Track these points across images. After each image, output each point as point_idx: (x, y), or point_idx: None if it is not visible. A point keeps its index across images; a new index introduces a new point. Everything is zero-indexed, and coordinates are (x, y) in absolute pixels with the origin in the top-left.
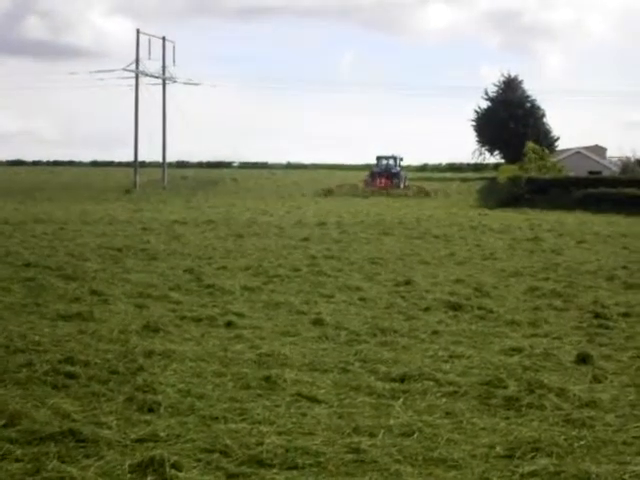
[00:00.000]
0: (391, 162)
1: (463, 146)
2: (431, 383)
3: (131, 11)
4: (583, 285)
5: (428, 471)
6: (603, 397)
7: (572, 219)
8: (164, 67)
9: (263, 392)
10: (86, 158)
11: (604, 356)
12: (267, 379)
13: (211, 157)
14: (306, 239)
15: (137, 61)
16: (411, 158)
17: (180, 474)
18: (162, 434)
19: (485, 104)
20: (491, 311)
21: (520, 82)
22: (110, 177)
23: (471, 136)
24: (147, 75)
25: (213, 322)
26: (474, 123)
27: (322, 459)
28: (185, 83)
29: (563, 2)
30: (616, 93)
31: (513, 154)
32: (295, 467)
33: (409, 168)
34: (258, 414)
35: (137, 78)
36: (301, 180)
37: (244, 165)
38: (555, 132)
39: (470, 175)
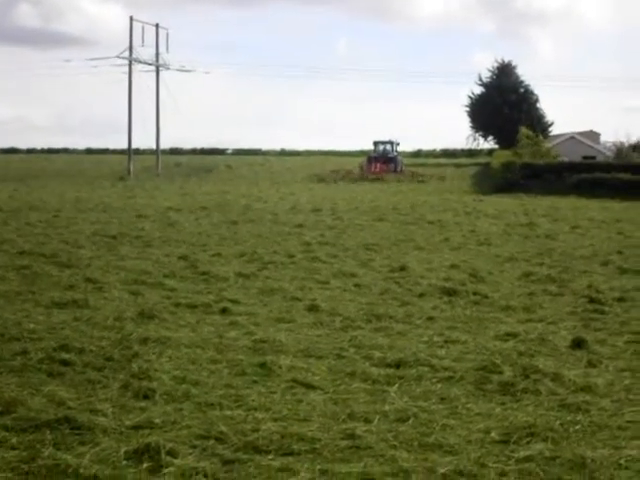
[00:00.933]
0: (388, 147)
1: (457, 132)
2: (426, 369)
3: None
4: (578, 270)
5: (424, 456)
6: (598, 382)
7: (566, 204)
8: (157, 54)
9: (258, 378)
10: (80, 145)
11: (599, 341)
12: (262, 365)
13: (205, 144)
14: (300, 225)
15: (130, 48)
16: (405, 144)
17: (175, 461)
18: (157, 421)
19: (479, 90)
20: (486, 296)
21: (514, 67)
22: (104, 164)
23: (465, 122)
24: (140, 62)
25: (208, 309)
26: (468, 109)
27: (317, 445)
28: (178, 70)
29: None
30: (610, 78)
31: (507, 140)
32: (291, 453)
33: (403, 154)
34: (253, 400)
35: (130, 65)
36: (295, 166)
37: (238, 152)
38: (549, 117)
39: (464, 161)
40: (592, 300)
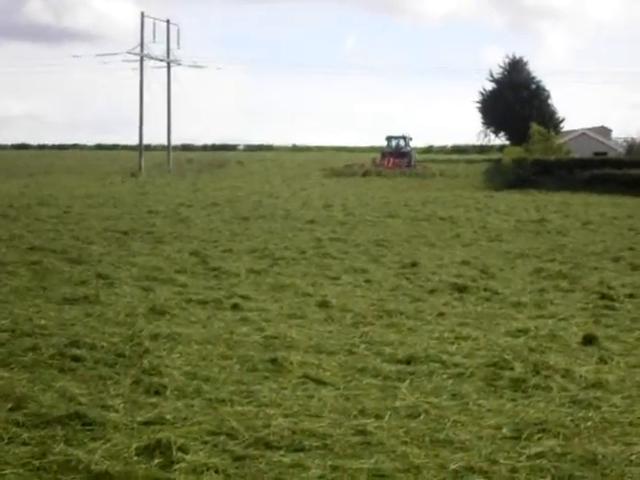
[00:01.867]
0: (401, 142)
1: (468, 128)
2: (437, 365)
3: None
4: (589, 266)
5: (435, 452)
6: (609, 378)
7: (578, 200)
8: (168, 50)
9: (269, 374)
10: (91, 141)
11: (610, 337)
12: (273, 361)
13: (216, 140)
14: (312, 221)
15: (142, 44)
16: (416, 140)
17: (187, 457)
18: (168, 417)
19: (490, 86)
20: (497, 293)
21: (525, 64)
22: (115, 160)
23: (476, 118)
24: (152, 58)
25: (219, 305)
26: (479, 105)
27: (328, 441)
28: (190, 66)
29: None
30: (621, 74)
31: (518, 136)
32: (302, 449)
33: (414, 150)
34: (264, 396)
35: (142, 61)
36: (306, 162)
37: (249, 148)
38: (560, 113)
39: (475, 157)
40: (603, 296)
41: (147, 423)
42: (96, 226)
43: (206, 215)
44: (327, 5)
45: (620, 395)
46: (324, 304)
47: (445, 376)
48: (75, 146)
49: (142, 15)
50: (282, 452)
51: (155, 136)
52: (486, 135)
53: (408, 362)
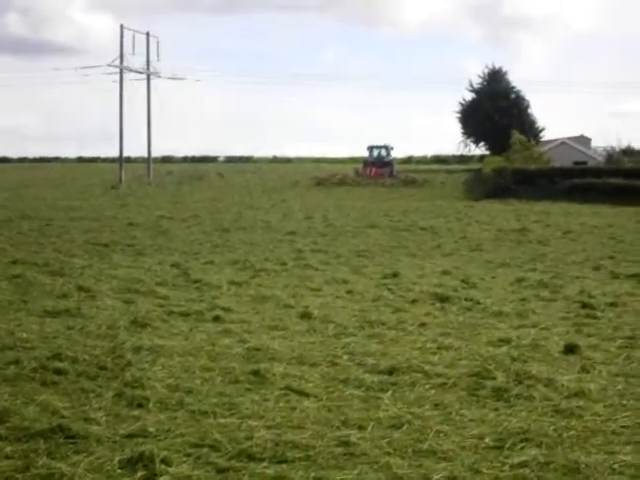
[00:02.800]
0: (383, 152)
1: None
2: (419, 375)
3: (112, 7)
4: (570, 275)
5: (418, 463)
6: (592, 387)
7: (558, 210)
8: (148, 62)
9: (252, 386)
10: (71, 154)
11: (592, 346)
12: (255, 373)
13: (196, 152)
14: (292, 233)
15: (121, 56)
16: (396, 150)
17: (170, 469)
18: (151, 429)
19: (470, 96)
20: (478, 302)
21: (504, 74)
22: (96, 173)
23: (456, 128)
24: (131, 71)
25: (201, 317)
26: (459, 115)
27: (312, 452)
28: (170, 78)
29: None
30: (599, 84)
31: (498, 145)
32: (285, 461)
33: (395, 160)
34: (247, 408)
35: (121, 73)
36: (286, 174)
37: (229, 159)
38: (540, 123)
39: (456, 167)
40: (585, 305)
41: (130, 436)
42: (77, 239)
43: (187, 227)
44: (307, 16)
45: (602, 404)
46: (306, 315)
47: (427, 386)
48: (56, 159)
49: (121, 27)
50: (265, 464)
51: (135, 148)
52: (466, 145)
53: (390, 373)
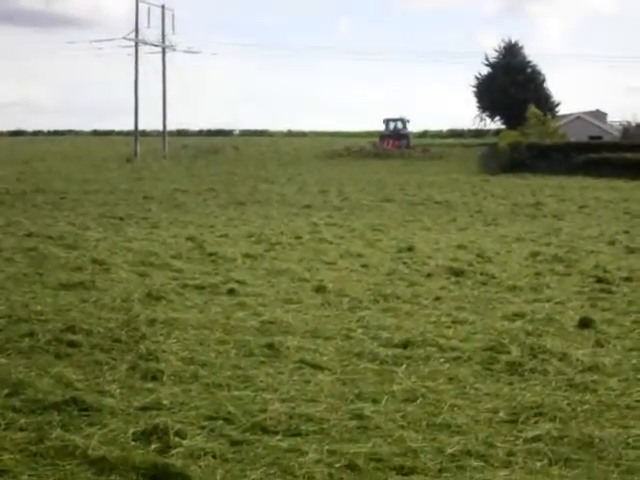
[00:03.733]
0: (399, 124)
1: (464, 112)
2: (434, 349)
3: None
4: (585, 250)
5: (432, 436)
6: (606, 361)
7: (573, 184)
8: (164, 35)
9: (266, 359)
10: (86, 127)
11: (606, 320)
12: (270, 346)
13: (212, 125)
14: (308, 206)
15: (137, 29)
16: (411, 124)
17: (184, 441)
18: (165, 402)
19: (486, 70)
20: (493, 277)
21: (521, 48)
22: (111, 146)
23: (472, 102)
24: (147, 44)
25: (215, 290)
26: (475, 89)
27: (326, 425)
28: (185, 51)
29: None
30: (616, 58)
31: (514, 120)
32: (299, 434)
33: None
34: (261, 381)
35: (137, 47)
36: (302, 147)
37: (245, 133)
38: (555, 97)
39: (471, 141)
40: (599, 280)
41: (144, 408)
42: (92, 212)
43: (202, 200)
44: None
45: (616, 378)
46: (320, 289)
47: (442, 360)
48: (70, 132)
49: (137, 0)
50: (279, 437)
51: (150, 122)
52: (482, 119)
53: (405, 346)
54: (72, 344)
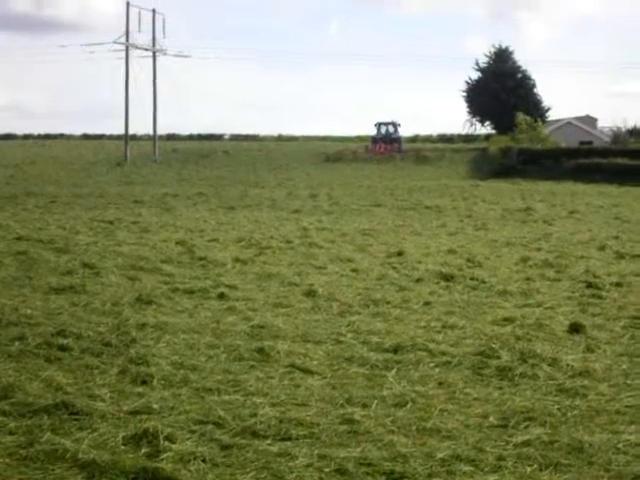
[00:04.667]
0: (390, 128)
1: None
2: (424, 353)
3: None
4: (575, 255)
5: (422, 441)
6: (596, 366)
7: (564, 189)
8: (154, 39)
9: (256, 364)
10: (77, 131)
11: (597, 326)
12: (260, 351)
13: (202, 130)
14: (297, 211)
15: (127, 33)
16: (401, 129)
17: (174, 446)
18: (155, 406)
19: (476, 75)
20: (483, 281)
21: (511, 53)
22: (101, 150)
23: (462, 107)
24: (137, 48)
25: (205, 294)
26: (465, 94)
27: (316, 430)
28: (175, 55)
29: None
30: (604, 64)
31: (504, 125)
32: (289, 438)
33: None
34: (251, 386)
35: (127, 51)
36: (292, 152)
37: (235, 137)
38: (546, 103)
39: (461, 146)
40: (589, 285)
41: (134, 412)
42: (82, 216)
43: (192, 204)
44: None
45: (607, 383)
46: (310, 293)
47: (432, 365)
48: (61, 136)
49: (127, 4)
50: (269, 441)
51: (141, 126)
52: (472, 124)
53: (395, 351)
54: (62, 348)
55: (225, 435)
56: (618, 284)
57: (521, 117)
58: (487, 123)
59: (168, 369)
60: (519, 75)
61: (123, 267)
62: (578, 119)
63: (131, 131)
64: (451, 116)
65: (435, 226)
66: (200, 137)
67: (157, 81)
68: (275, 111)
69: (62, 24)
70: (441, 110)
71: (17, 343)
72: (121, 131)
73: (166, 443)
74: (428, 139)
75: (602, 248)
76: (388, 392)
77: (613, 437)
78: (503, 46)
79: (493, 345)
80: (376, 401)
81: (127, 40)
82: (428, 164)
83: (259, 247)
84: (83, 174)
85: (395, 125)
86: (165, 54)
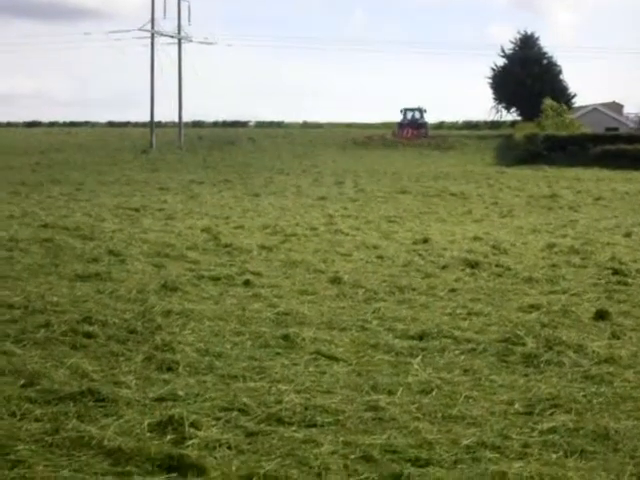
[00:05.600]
0: (417, 114)
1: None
2: (449, 340)
3: None
4: (601, 242)
5: (447, 428)
6: (622, 353)
7: (589, 176)
8: (179, 26)
9: (282, 351)
10: (102, 119)
11: (622, 312)
12: (285, 338)
13: (227, 116)
14: (323, 198)
15: (152, 21)
16: (427, 115)
17: (199, 432)
18: (181, 393)
19: (501, 61)
20: (509, 268)
21: (537, 39)
22: (126, 137)
23: (487, 94)
24: (162, 35)
25: (231, 281)
26: (490, 81)
27: (341, 417)
28: (201, 42)
29: None
30: (631, 49)
31: (530, 111)
32: (314, 425)
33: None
34: (277, 372)
35: (153, 38)
36: (317, 138)
37: (260, 124)
38: (572, 89)
39: (487, 133)
40: (615, 272)
41: (159, 399)
42: (108, 203)
43: (217, 192)
44: None
45: (632, 370)
46: (336, 280)
47: (457, 352)
48: (86, 123)
49: None
50: (294, 428)
51: (166, 113)
52: (497, 111)
53: (420, 338)
54: (88, 335)
55: (250, 422)
56: None
57: (548, 102)
58: (513, 110)
59: (193, 356)
60: (545, 61)
61: (148, 254)
62: (604, 105)
63: (156, 118)
64: (477, 103)
65: (460, 213)
66: (225, 124)
67: (182, 68)
68: (300, 98)
69: (87, 11)
70: (467, 97)
71: (43, 330)
72: (146, 118)
73: (191, 430)
74: (454, 126)
75: (628, 235)
76: (413, 379)
77: (639, 424)
78: (529, 32)
79: (518, 332)
80: (401, 388)
81: (152, 27)
82: (453, 151)
83: (284, 234)
84: (108, 161)
85: (421, 111)
86: (190, 41)
